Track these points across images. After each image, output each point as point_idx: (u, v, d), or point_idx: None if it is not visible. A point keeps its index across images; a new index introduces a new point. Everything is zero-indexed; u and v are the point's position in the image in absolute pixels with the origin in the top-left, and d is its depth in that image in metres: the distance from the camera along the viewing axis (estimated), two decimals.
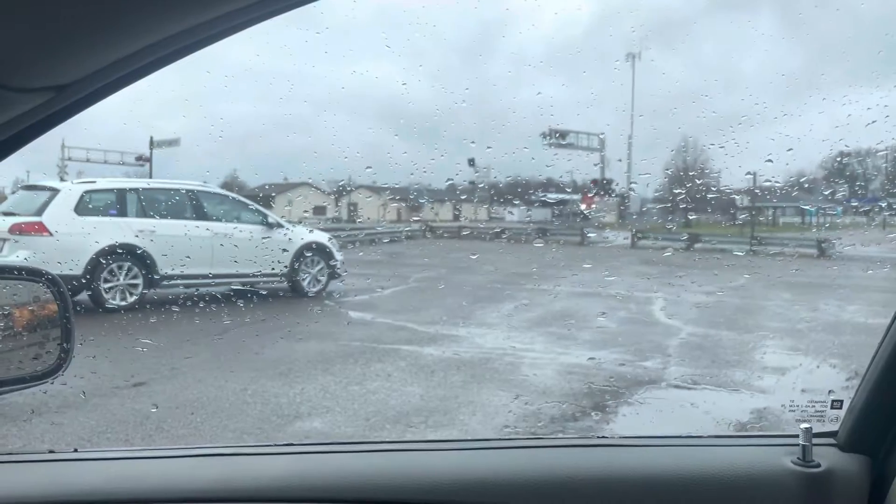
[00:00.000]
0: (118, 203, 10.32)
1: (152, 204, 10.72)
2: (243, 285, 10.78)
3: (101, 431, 4.95)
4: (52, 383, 1.13)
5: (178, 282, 10.16)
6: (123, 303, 9.45)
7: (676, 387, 6.39)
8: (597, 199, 35.36)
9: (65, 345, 1.11)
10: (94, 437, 4.85)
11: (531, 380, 6.53)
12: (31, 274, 1.16)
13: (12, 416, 4.93)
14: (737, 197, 23.12)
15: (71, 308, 1.12)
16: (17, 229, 9.36)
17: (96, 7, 0.47)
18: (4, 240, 9.40)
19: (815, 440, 1.31)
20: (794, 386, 6.32)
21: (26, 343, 1.16)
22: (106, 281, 9.36)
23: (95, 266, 9.21)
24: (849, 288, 12.40)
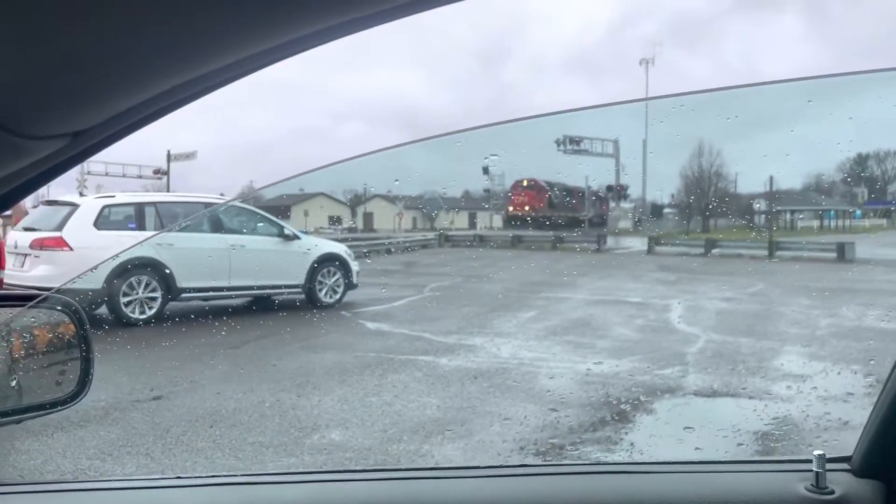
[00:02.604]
0: (137, 217, 10.44)
1: (170, 217, 10.83)
2: (261, 297, 10.85)
3: (122, 445, 5.00)
4: (91, 400, 1.15)
5: (196, 294, 10.25)
6: (142, 316, 9.54)
7: (696, 395, 6.34)
8: (611, 204, 34.99)
9: (84, 370, 1.13)
10: (114, 451, 4.90)
11: (549, 390, 6.50)
12: (51, 301, 1.18)
13: (35, 432, 4.98)
14: (754, 201, 22.94)
15: (90, 334, 1.14)
16: (38, 244, 9.49)
17: (113, 55, 0.48)
18: (26, 255, 9.53)
19: (828, 465, 1.30)
20: (815, 393, 6.24)
21: (48, 369, 1.18)
22: (125, 294, 9.45)
23: (115, 280, 9.31)
24: (870, 292, 12.25)
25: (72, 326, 1.12)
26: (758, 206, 22.65)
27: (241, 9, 0.46)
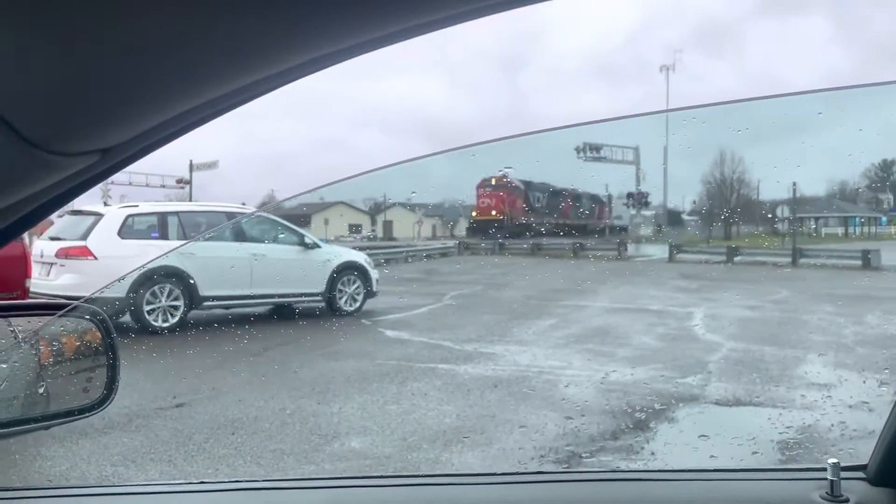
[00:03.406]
0: (160, 226, 10.57)
1: (193, 226, 10.95)
2: (281, 305, 10.94)
3: (145, 452, 5.05)
4: (115, 407, 1.18)
5: (218, 303, 10.35)
6: (165, 324, 9.65)
7: (717, 404, 6.28)
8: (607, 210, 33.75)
9: (111, 378, 1.16)
10: (137, 457, 4.95)
11: (569, 398, 6.48)
12: (78, 309, 1.21)
13: (60, 438, 5.05)
14: (777, 208, 22.71)
15: (116, 342, 1.17)
16: (63, 254, 9.64)
17: (142, 73, 0.50)
18: (52, 264, 9.68)
19: (843, 474, 1.29)
20: (841, 402, 6.16)
21: (75, 376, 1.21)
22: (148, 303, 9.57)
23: (138, 288, 9.43)
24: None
25: (99, 335, 1.15)
26: (781, 212, 22.42)
27: (270, 26, 0.48)
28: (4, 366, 1.20)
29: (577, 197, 33.31)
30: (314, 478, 1.46)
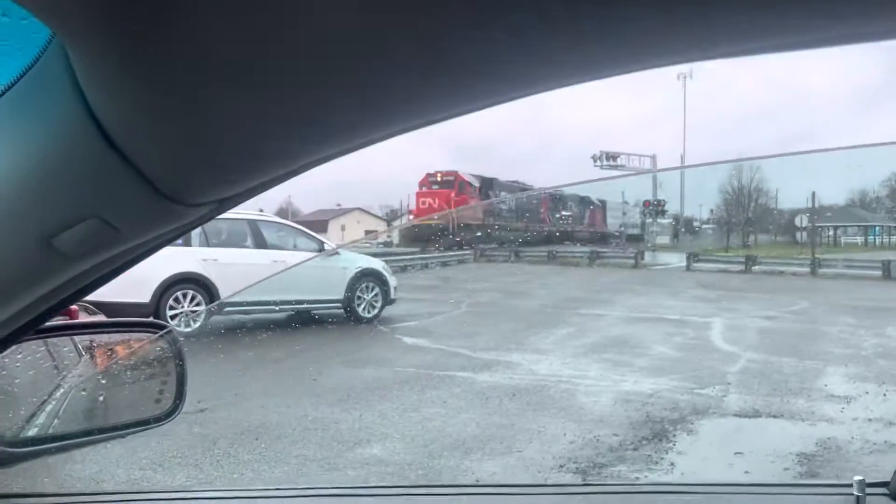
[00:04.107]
0: None
1: (214, 233, 11.09)
2: (301, 312, 11.04)
3: (172, 456, 5.15)
4: (168, 424, 1.26)
5: (239, 308, 10.48)
6: (187, 329, 9.78)
7: (737, 416, 6.29)
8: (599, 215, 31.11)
9: (180, 388, 1.25)
10: (165, 461, 5.06)
11: (588, 407, 6.51)
12: (149, 326, 1.30)
13: None
14: (796, 217, 22.58)
15: (184, 356, 1.25)
16: None
17: (261, 136, 0.58)
18: None
19: (868, 490, 1.33)
20: (861, 415, 6.14)
21: (147, 390, 1.30)
22: (171, 308, 9.71)
23: (163, 294, 9.57)
24: None
25: (168, 348, 1.24)
26: (800, 222, 22.28)
27: (379, 103, 0.55)
28: (76, 380, 1.29)
29: (559, 199, 28.83)
30: (336, 486, 1.52)
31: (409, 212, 28.05)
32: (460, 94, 0.56)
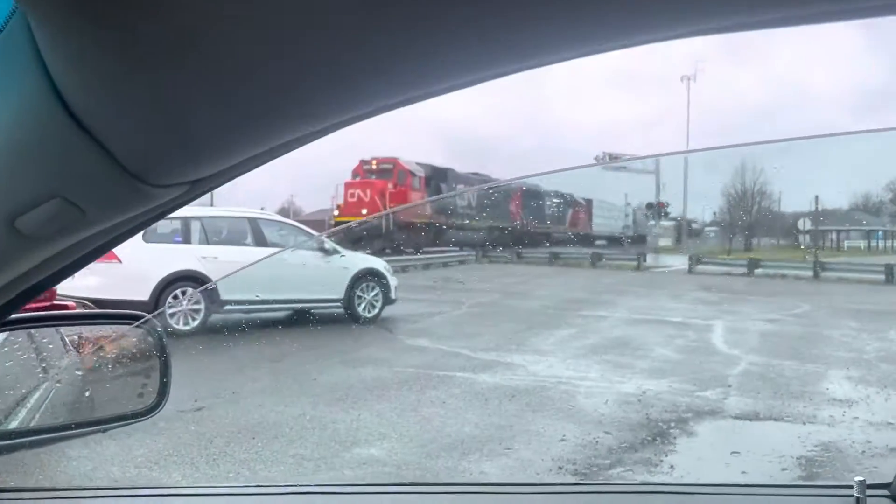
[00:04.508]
0: (183, 231, 10.69)
1: (214, 231, 11.07)
2: (301, 311, 11.01)
3: (168, 455, 5.12)
4: (151, 419, 1.23)
5: (238, 307, 10.45)
6: (186, 327, 9.75)
7: (737, 419, 6.25)
8: (582, 215, 28.59)
9: (163, 384, 1.21)
10: (160, 459, 5.03)
11: (587, 409, 6.48)
12: (131, 318, 1.26)
13: (85, 440, 5.13)
14: (799, 220, 22.53)
15: (168, 349, 1.22)
16: None
17: (235, 115, 0.55)
18: None
19: (868, 491, 1.31)
20: (862, 419, 6.10)
21: (130, 383, 1.27)
22: (170, 306, 9.68)
23: (162, 291, 9.55)
24: None
25: (156, 348, 1.21)
26: (803, 225, 22.23)
27: (349, 75, 0.52)
28: (60, 373, 1.26)
29: (534, 195, 24.29)
30: (334, 484, 1.50)
31: (337, 207, 23.01)
32: (445, 68, 0.53)
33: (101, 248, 0.73)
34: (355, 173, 23.17)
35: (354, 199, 22.15)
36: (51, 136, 0.57)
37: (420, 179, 23.42)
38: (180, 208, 0.68)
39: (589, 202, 28.33)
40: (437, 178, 24.00)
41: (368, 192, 21.96)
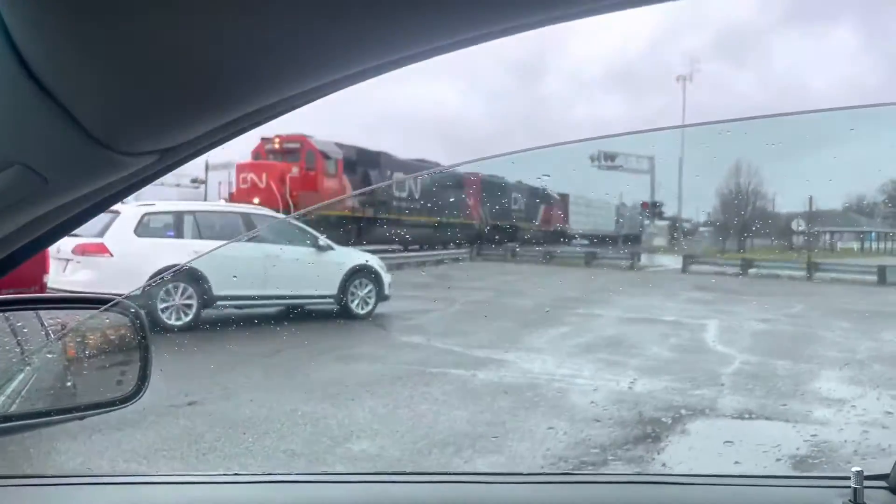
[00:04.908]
0: (175, 225, 10.64)
1: (207, 226, 11.01)
2: (294, 307, 10.97)
3: (158, 449, 5.08)
4: (129, 407, 1.20)
5: (231, 302, 10.40)
6: (178, 322, 9.70)
7: (730, 417, 6.24)
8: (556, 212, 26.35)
9: (143, 372, 1.18)
10: (150, 454, 4.99)
11: (580, 407, 6.46)
12: (112, 304, 1.23)
13: (74, 434, 5.09)
14: (793, 221, 22.60)
15: (150, 336, 1.19)
16: (79, 250, 9.71)
17: (203, 79, 0.52)
18: (68, 260, 9.76)
19: (866, 483, 1.30)
20: (854, 419, 6.10)
21: (109, 369, 1.24)
22: (162, 301, 9.63)
23: (152, 286, 9.48)
24: None
25: (134, 330, 1.18)
26: (796, 226, 22.28)
27: (323, 39, 0.49)
28: (37, 358, 1.23)
29: (497, 186, 20.98)
30: (332, 472, 1.48)
31: (230, 195, 19.08)
32: (423, 28, 0.50)
33: (69, 223, 0.70)
34: (256, 154, 19.10)
35: (247, 186, 18.14)
36: (10, 98, 0.53)
37: (337, 163, 19.29)
38: (153, 180, 0.65)
39: (565, 197, 25.05)
40: (364, 162, 19.92)
41: (265, 176, 17.91)
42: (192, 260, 9.71)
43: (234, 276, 9.76)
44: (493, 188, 20.88)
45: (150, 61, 0.50)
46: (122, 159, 0.59)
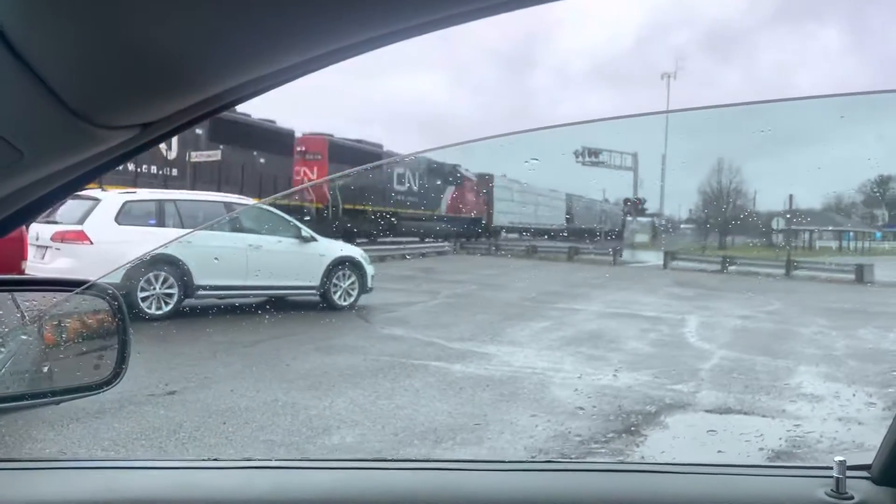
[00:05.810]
0: (157, 213, 10.53)
1: (190, 215, 10.92)
2: (276, 297, 10.92)
3: (136, 438, 5.05)
4: (107, 392, 1.19)
5: (213, 292, 10.33)
6: (159, 312, 9.62)
7: (708, 411, 6.30)
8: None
9: (121, 357, 1.17)
10: (128, 443, 4.95)
11: (560, 400, 6.49)
12: (91, 287, 1.21)
13: (51, 422, 5.04)
14: (773, 219, 22.82)
15: (128, 321, 1.17)
16: (59, 237, 9.60)
17: (183, 53, 0.51)
18: (47, 247, 9.64)
19: (848, 473, 1.31)
20: (830, 414, 6.19)
21: (87, 354, 1.22)
22: (143, 290, 9.54)
23: (133, 275, 9.40)
24: (888, 315, 12.13)
25: (111, 313, 1.16)
26: (776, 224, 22.51)
27: (300, 16, 0.48)
28: (12, 342, 1.21)
29: (344, 151, 17.26)
30: (313, 459, 1.48)
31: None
32: (386, 13, 0.49)
33: (46, 199, 0.68)
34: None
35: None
36: None
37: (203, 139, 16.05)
38: (134, 156, 0.64)
39: (488, 177, 21.11)
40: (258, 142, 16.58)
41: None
42: (164, 245, 9.61)
43: (216, 259, 9.70)
44: (342, 154, 16.51)
45: (130, 30, 0.49)
46: (101, 133, 0.57)
